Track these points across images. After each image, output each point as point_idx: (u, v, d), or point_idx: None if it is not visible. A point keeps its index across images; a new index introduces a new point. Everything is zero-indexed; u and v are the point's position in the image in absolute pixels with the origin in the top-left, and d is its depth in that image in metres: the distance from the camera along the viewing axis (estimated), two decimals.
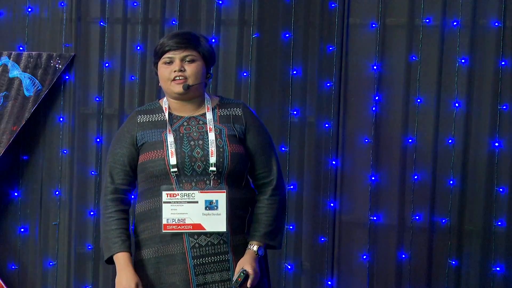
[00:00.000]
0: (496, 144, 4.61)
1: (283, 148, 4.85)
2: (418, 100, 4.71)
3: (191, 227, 3.14)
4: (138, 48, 5.04)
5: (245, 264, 3.18)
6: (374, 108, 4.76)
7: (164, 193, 3.14)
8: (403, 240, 4.74)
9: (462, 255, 4.69)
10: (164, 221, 3.15)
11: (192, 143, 3.17)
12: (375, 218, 4.78)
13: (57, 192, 5.18)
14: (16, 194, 5.22)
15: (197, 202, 3.14)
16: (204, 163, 3.16)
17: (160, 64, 3.23)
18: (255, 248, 3.21)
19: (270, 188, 3.26)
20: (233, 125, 3.23)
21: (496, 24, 4.62)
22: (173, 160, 3.14)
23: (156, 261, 3.19)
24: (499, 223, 4.63)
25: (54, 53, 5.12)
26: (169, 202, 3.15)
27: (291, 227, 4.85)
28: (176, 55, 3.20)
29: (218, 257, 3.18)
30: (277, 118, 4.86)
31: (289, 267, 4.86)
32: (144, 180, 3.22)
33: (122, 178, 3.22)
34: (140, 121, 3.24)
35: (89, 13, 5.16)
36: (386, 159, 4.78)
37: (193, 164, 3.15)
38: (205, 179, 3.16)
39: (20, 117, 5.09)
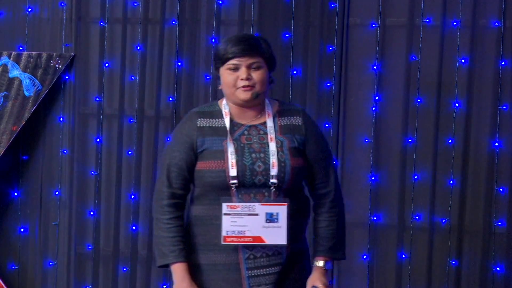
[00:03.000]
0: (496, 144, 4.61)
1: None
2: (418, 100, 4.71)
3: (251, 240, 3.08)
4: (138, 48, 5.04)
5: (315, 281, 3.17)
6: (374, 108, 4.76)
7: (224, 205, 3.07)
8: (403, 240, 4.75)
9: (462, 255, 4.69)
10: (224, 233, 3.07)
11: (253, 155, 3.09)
12: (375, 218, 4.78)
13: (57, 192, 5.18)
14: (16, 194, 5.22)
15: (257, 214, 3.07)
16: (265, 177, 3.08)
17: (223, 69, 3.12)
18: (321, 263, 3.20)
19: (329, 200, 3.21)
20: (293, 137, 3.15)
21: (496, 24, 4.62)
22: (233, 172, 3.06)
23: (208, 268, 3.12)
24: (499, 223, 4.63)
25: (54, 53, 5.12)
26: (229, 214, 3.07)
27: None
28: (242, 62, 3.09)
29: (272, 268, 3.13)
30: None
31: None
32: (201, 186, 3.13)
33: (180, 182, 3.12)
34: (200, 125, 3.14)
35: (89, 13, 5.16)
36: (386, 159, 4.78)
37: (254, 177, 3.08)
38: (264, 191, 3.09)
39: (20, 117, 5.09)
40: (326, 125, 4.80)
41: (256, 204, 3.07)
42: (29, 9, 5.16)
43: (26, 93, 5.11)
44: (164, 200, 3.11)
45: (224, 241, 3.07)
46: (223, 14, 4.95)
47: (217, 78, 3.19)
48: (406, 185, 4.73)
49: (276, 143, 3.12)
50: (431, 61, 4.69)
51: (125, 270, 5.10)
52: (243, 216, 3.07)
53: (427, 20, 4.69)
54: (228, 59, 3.10)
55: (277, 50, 4.87)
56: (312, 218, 3.25)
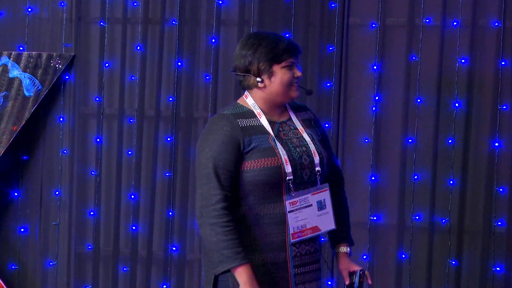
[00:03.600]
0: (496, 144, 4.61)
1: None
2: (418, 100, 4.71)
3: (311, 231, 3.12)
4: (138, 48, 5.04)
5: (352, 266, 3.26)
6: (374, 108, 4.76)
7: (287, 203, 3.07)
8: (403, 240, 4.75)
9: (462, 255, 4.69)
10: (291, 231, 3.08)
11: (298, 149, 3.12)
12: (375, 218, 4.78)
13: (57, 192, 5.18)
14: (16, 194, 5.22)
15: (311, 205, 3.12)
16: (311, 170, 3.13)
17: (280, 67, 3.11)
18: (347, 249, 3.30)
19: (342, 188, 3.33)
20: (316, 130, 3.24)
21: (496, 24, 4.62)
22: (288, 168, 3.07)
23: (256, 269, 3.07)
24: (499, 223, 4.63)
25: (54, 53, 5.12)
26: (293, 211, 3.08)
27: None
28: (296, 61, 3.15)
29: (314, 265, 3.17)
30: None
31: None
32: (250, 185, 3.07)
33: (229, 185, 3.05)
34: (241, 125, 3.09)
35: (89, 13, 5.16)
36: (386, 159, 4.78)
37: (302, 172, 3.11)
38: (309, 186, 3.13)
39: (20, 117, 5.10)
40: (326, 125, 4.80)
41: (309, 195, 3.12)
42: (29, 9, 5.16)
43: (26, 93, 5.11)
44: (219, 203, 3.03)
45: (292, 239, 3.08)
46: (223, 14, 4.95)
47: (260, 75, 3.12)
48: (406, 185, 4.73)
49: (308, 135, 3.18)
50: (431, 61, 4.69)
51: (125, 270, 5.10)
52: (301, 210, 3.11)
53: (427, 20, 4.70)
54: (289, 57, 3.11)
55: None
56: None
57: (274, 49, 3.11)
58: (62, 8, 5.14)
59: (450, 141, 4.67)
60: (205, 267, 3.16)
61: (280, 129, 3.15)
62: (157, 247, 5.07)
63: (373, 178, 4.77)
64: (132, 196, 5.06)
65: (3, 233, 5.25)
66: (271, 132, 3.11)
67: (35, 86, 5.11)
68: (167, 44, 5.01)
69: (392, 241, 4.77)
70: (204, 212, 3.03)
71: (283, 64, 3.12)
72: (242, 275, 3.01)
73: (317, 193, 3.13)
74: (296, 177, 3.09)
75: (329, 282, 4.83)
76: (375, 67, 4.76)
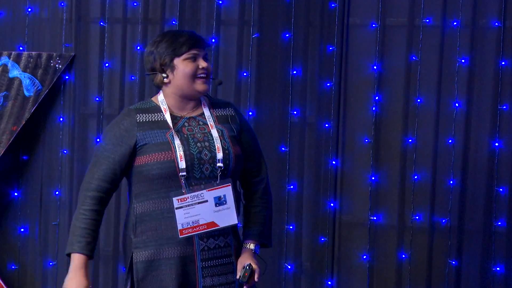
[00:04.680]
0: (496, 144, 4.61)
1: (283, 148, 4.85)
2: (418, 100, 4.71)
3: (205, 227, 3.14)
4: (138, 48, 5.04)
5: (247, 260, 3.21)
6: (374, 108, 4.76)
7: (174, 199, 3.11)
8: (403, 240, 4.75)
9: (462, 255, 4.69)
10: (179, 227, 3.11)
11: (198, 144, 3.15)
12: (375, 218, 4.78)
13: (57, 192, 5.18)
14: (16, 194, 5.22)
15: (206, 201, 3.14)
16: (212, 165, 3.15)
17: (181, 60, 3.14)
18: (252, 246, 3.25)
19: (262, 187, 3.31)
20: (231, 126, 3.24)
21: (496, 24, 4.62)
22: (182, 164, 3.11)
23: (162, 262, 3.16)
24: (499, 223, 4.63)
25: (54, 53, 5.12)
26: (181, 207, 3.11)
27: (291, 227, 4.85)
28: (200, 52, 3.16)
29: (224, 259, 3.20)
30: (277, 118, 4.86)
31: (289, 267, 4.86)
32: (146, 181, 3.15)
33: (109, 176, 3.16)
34: (139, 120, 3.17)
35: (89, 13, 5.16)
36: (386, 159, 4.78)
37: (201, 166, 3.14)
38: (211, 181, 3.15)
39: (20, 117, 5.09)
40: (326, 125, 4.80)
41: (204, 191, 3.13)
42: (29, 9, 5.16)
43: (26, 93, 5.11)
44: (89, 191, 3.16)
45: (181, 235, 3.11)
46: (223, 14, 4.95)
47: (164, 71, 3.16)
48: (406, 185, 4.73)
49: (217, 131, 3.19)
50: (431, 61, 4.69)
51: (125, 270, 5.09)
52: (194, 206, 3.12)
53: (427, 20, 4.69)
54: (189, 48, 3.14)
55: (277, 50, 4.88)
56: (243, 206, 3.32)
57: (173, 43, 3.15)
58: (62, 8, 5.14)
59: (450, 141, 4.67)
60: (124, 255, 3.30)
61: (186, 124, 3.19)
62: None
63: (373, 178, 4.77)
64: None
65: (3, 233, 5.25)
66: (171, 127, 3.15)
67: (35, 86, 5.11)
68: None
69: (392, 241, 4.77)
70: (80, 195, 3.18)
71: (184, 56, 3.15)
72: (72, 262, 3.19)
73: (214, 189, 3.14)
74: (194, 172, 3.12)
75: (329, 282, 4.83)
76: (375, 67, 4.76)
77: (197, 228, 3.13)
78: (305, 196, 4.86)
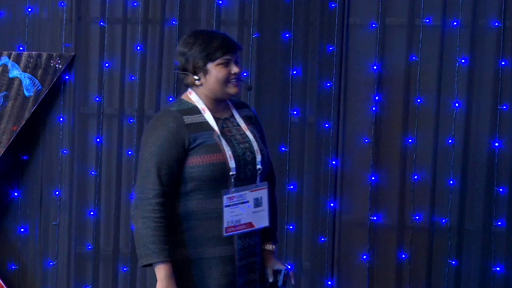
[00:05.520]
0: (496, 144, 4.61)
1: (283, 148, 4.85)
2: (418, 100, 4.71)
3: (245, 227, 3.19)
4: (138, 48, 5.04)
5: (278, 264, 3.33)
6: (374, 108, 4.76)
7: (225, 197, 3.13)
8: (403, 240, 4.74)
9: (462, 255, 4.69)
10: (225, 224, 3.14)
11: (241, 145, 3.20)
12: (375, 218, 4.78)
13: (57, 192, 5.19)
14: (16, 194, 5.22)
15: (247, 201, 3.19)
16: (253, 166, 3.20)
17: (214, 65, 3.17)
18: (273, 247, 3.36)
19: (273, 188, 3.37)
20: (256, 127, 3.31)
21: (496, 24, 4.61)
22: (232, 163, 3.14)
23: (201, 262, 3.15)
24: (499, 223, 4.62)
25: (54, 53, 5.12)
26: (229, 206, 3.15)
27: (291, 227, 4.85)
28: (233, 58, 3.19)
29: (252, 258, 3.24)
30: (277, 118, 4.86)
31: (289, 267, 4.84)
32: (194, 181, 3.14)
33: (170, 181, 3.11)
34: (187, 122, 3.15)
35: (89, 13, 5.16)
36: (386, 159, 4.78)
37: (245, 167, 3.19)
38: (251, 182, 3.20)
39: (20, 117, 5.10)
40: (326, 125, 4.80)
41: (247, 191, 3.18)
42: (29, 9, 5.16)
43: (26, 93, 5.11)
44: (156, 198, 3.09)
45: (225, 233, 3.14)
46: (223, 14, 4.95)
47: (196, 74, 3.18)
48: (406, 185, 4.73)
49: (250, 132, 3.25)
50: (431, 61, 4.69)
51: (125, 270, 5.10)
52: (238, 205, 3.17)
53: (427, 20, 4.69)
54: (223, 54, 3.16)
55: (277, 50, 4.88)
56: None
57: (207, 47, 3.17)
58: (62, 8, 5.14)
59: (450, 141, 4.67)
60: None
61: (224, 125, 3.22)
62: None
63: (373, 178, 4.77)
64: (132, 196, 5.06)
65: (3, 233, 5.25)
66: (216, 129, 3.17)
67: (35, 86, 5.11)
68: (167, 44, 5.01)
69: (392, 241, 4.77)
70: (140, 205, 3.10)
71: (217, 61, 3.17)
72: (161, 271, 3.08)
73: (255, 190, 3.21)
74: (240, 172, 3.16)
75: (329, 282, 4.83)
76: (375, 67, 4.75)
77: (238, 228, 3.18)
78: (305, 196, 4.86)
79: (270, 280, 3.29)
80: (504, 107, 4.60)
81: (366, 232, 4.79)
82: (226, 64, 3.17)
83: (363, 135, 4.79)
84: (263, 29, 4.88)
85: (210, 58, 3.16)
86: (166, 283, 3.08)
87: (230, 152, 3.14)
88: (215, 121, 3.19)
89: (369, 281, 4.77)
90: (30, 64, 5.11)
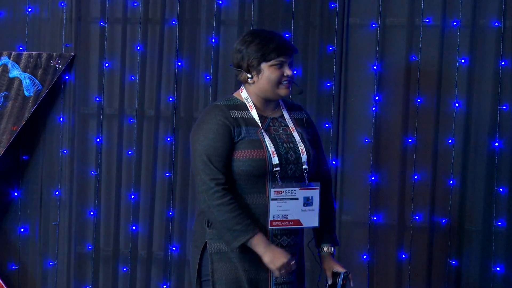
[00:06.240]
0: (496, 144, 4.61)
1: None
2: (418, 100, 4.71)
3: (291, 223, 3.22)
4: (138, 48, 5.04)
5: (337, 266, 3.37)
6: (374, 108, 4.76)
7: (272, 190, 3.18)
8: (403, 240, 4.75)
9: (462, 255, 4.69)
10: (271, 217, 3.20)
11: (285, 145, 3.25)
12: (375, 218, 4.78)
13: (57, 192, 5.19)
14: (16, 194, 5.22)
15: (297, 198, 3.23)
16: (296, 166, 3.24)
17: (268, 65, 3.23)
18: (331, 249, 3.40)
19: (328, 190, 3.41)
20: (307, 129, 3.36)
21: (496, 24, 4.61)
22: (275, 160, 3.19)
23: (233, 255, 3.21)
24: (499, 223, 4.63)
25: (54, 53, 5.12)
26: (276, 199, 3.20)
27: None
28: (287, 60, 3.24)
29: (293, 257, 3.24)
30: None
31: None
32: (236, 175, 3.20)
33: (225, 171, 3.18)
34: (233, 116, 3.23)
35: (89, 13, 5.16)
36: (386, 159, 4.78)
37: (287, 166, 3.23)
38: (292, 181, 3.23)
39: (20, 117, 5.10)
40: (326, 125, 4.80)
41: (297, 188, 3.22)
42: (29, 9, 5.16)
43: (26, 93, 5.11)
44: (219, 186, 3.16)
45: (271, 225, 3.19)
46: (223, 14, 4.95)
47: (250, 72, 3.24)
48: (406, 185, 4.73)
49: (298, 134, 3.29)
50: (431, 61, 4.69)
51: (125, 270, 5.10)
52: (286, 201, 3.21)
53: (427, 20, 4.69)
54: (278, 55, 3.22)
55: None
56: None
57: (263, 48, 3.23)
58: (62, 8, 5.14)
59: (450, 141, 4.67)
60: (193, 247, 3.32)
61: (271, 124, 3.28)
62: (157, 247, 5.07)
63: (373, 178, 4.77)
64: (132, 196, 5.06)
65: (3, 233, 5.25)
66: (260, 125, 3.23)
67: (35, 86, 5.11)
68: (167, 44, 5.01)
69: (392, 241, 4.77)
70: (207, 196, 3.16)
71: (271, 62, 3.23)
72: (259, 244, 3.15)
73: (305, 189, 3.24)
74: (281, 170, 3.20)
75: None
76: (375, 67, 4.75)
77: (284, 223, 3.22)
78: None
79: (329, 282, 3.33)
80: (504, 107, 4.61)
81: (366, 232, 4.79)
82: (280, 66, 3.23)
83: (363, 135, 4.79)
84: (263, 29, 4.87)
85: (264, 58, 3.23)
86: (269, 250, 3.16)
87: (272, 149, 3.19)
88: (262, 119, 3.26)
89: (369, 281, 4.77)
90: (30, 64, 5.11)
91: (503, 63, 4.60)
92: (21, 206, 5.23)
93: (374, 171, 4.77)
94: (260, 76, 3.24)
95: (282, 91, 3.25)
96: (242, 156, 3.19)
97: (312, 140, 3.34)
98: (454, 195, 4.68)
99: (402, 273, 4.75)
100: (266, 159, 3.18)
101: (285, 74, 3.24)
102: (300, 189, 3.23)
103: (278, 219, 3.21)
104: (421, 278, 4.73)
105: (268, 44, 3.23)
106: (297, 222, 3.24)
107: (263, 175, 3.19)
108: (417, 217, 4.73)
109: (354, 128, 4.82)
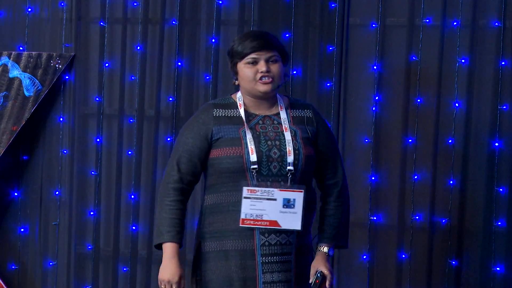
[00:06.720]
0: (496, 144, 4.61)
1: None
2: (418, 100, 4.71)
3: (267, 224, 3.22)
4: (138, 48, 5.04)
5: (319, 265, 3.33)
6: (374, 108, 4.76)
7: (245, 189, 3.20)
8: (403, 240, 4.74)
9: (462, 255, 4.68)
10: (242, 216, 3.21)
11: (269, 142, 3.25)
12: (375, 218, 4.78)
13: (57, 192, 5.18)
14: (16, 194, 5.22)
15: (275, 199, 3.22)
16: (280, 163, 3.24)
17: (242, 64, 3.28)
18: (325, 249, 3.37)
19: (337, 190, 3.41)
20: (306, 127, 3.33)
21: (496, 24, 4.61)
22: (253, 157, 3.21)
23: (224, 254, 3.25)
24: (499, 223, 4.62)
25: (54, 53, 5.12)
26: (249, 198, 3.21)
27: None
28: (262, 56, 3.26)
29: (283, 257, 3.26)
30: None
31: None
32: (217, 174, 3.26)
33: (189, 168, 3.26)
34: (216, 114, 3.29)
35: (89, 13, 5.16)
36: (386, 159, 4.78)
37: (269, 164, 3.24)
38: (279, 179, 3.24)
39: (20, 117, 5.10)
40: None
41: (275, 189, 3.21)
42: (29, 9, 5.16)
43: (26, 93, 5.11)
44: (171, 183, 3.25)
45: (241, 224, 3.20)
46: (223, 14, 4.95)
47: (234, 74, 3.33)
48: (406, 185, 4.73)
49: (290, 132, 3.28)
50: (431, 61, 4.69)
51: (125, 270, 5.10)
52: (262, 201, 3.21)
53: (427, 20, 4.69)
54: (248, 53, 3.25)
55: None
56: (319, 208, 3.41)
57: (237, 49, 3.28)
58: (62, 8, 5.14)
59: (450, 141, 4.67)
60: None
61: (260, 122, 3.30)
62: None
63: (373, 178, 4.77)
64: (132, 196, 5.06)
65: (3, 233, 5.25)
66: (246, 123, 3.26)
67: (35, 86, 5.11)
68: (167, 44, 5.01)
69: (392, 241, 4.77)
70: (161, 188, 3.28)
71: (243, 61, 3.28)
72: (165, 251, 3.26)
73: (285, 190, 3.22)
74: (262, 168, 3.21)
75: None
76: (375, 67, 4.75)
77: (258, 223, 3.21)
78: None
79: (310, 280, 3.32)
80: (504, 107, 4.60)
81: (366, 232, 4.79)
82: (254, 63, 3.25)
83: (363, 135, 4.79)
84: (263, 29, 4.87)
85: (238, 58, 3.28)
86: (167, 262, 3.25)
87: (252, 146, 3.21)
88: (252, 116, 3.28)
89: (369, 281, 4.77)
90: (30, 64, 5.11)
91: (503, 63, 4.59)
92: (21, 206, 5.23)
93: (374, 171, 4.77)
94: (239, 76, 3.30)
95: (261, 87, 3.26)
96: (219, 154, 3.23)
97: (309, 139, 3.32)
98: (454, 195, 4.68)
99: (402, 273, 4.75)
100: (243, 156, 3.20)
101: (259, 71, 3.25)
102: (280, 190, 3.21)
103: (251, 218, 3.21)
104: (421, 278, 4.72)
105: (241, 44, 3.27)
106: (274, 223, 3.22)
107: (242, 173, 3.21)
108: (417, 217, 4.73)
109: (354, 128, 4.82)
